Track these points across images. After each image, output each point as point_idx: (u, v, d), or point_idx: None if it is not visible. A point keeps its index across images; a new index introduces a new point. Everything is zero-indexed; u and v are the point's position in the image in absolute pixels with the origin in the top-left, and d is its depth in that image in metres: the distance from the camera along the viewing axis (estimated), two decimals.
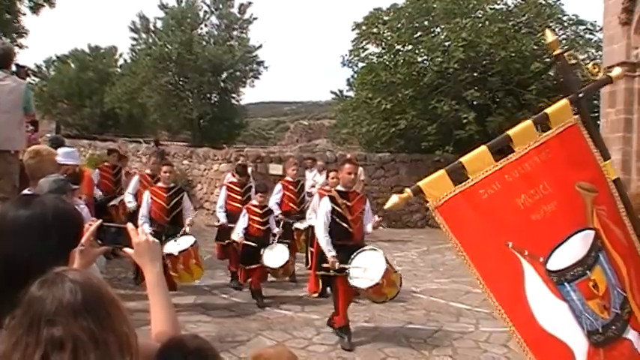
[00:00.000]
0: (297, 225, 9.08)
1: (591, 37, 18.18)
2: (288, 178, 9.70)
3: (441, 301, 8.22)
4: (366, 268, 6.02)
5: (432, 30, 17.90)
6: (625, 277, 2.34)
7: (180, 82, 29.41)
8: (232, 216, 8.49)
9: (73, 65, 34.76)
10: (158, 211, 7.54)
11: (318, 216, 6.64)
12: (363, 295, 6.31)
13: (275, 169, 15.87)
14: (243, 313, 7.45)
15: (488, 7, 17.90)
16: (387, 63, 17.71)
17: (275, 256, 7.68)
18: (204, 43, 29.36)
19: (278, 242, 7.89)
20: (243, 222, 7.94)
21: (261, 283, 7.98)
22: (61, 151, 6.04)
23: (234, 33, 30.68)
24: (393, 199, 2.18)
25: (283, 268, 7.69)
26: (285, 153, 19.33)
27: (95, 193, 9.46)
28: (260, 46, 30.46)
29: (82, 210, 3.66)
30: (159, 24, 29.90)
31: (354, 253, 6.15)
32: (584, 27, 18.35)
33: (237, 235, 7.92)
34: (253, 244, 7.79)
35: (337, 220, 6.38)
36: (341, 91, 21.61)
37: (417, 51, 17.68)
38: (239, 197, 8.82)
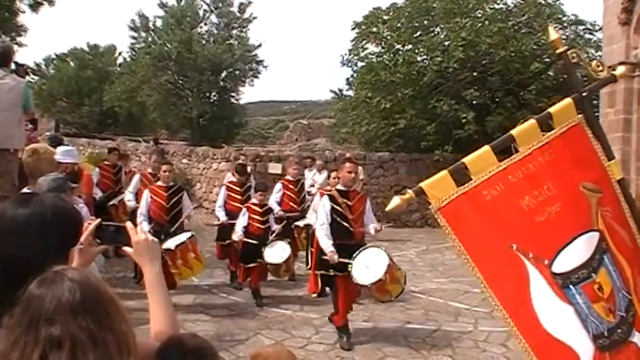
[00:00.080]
0: (297, 223, 9.08)
1: (591, 37, 18.22)
2: (288, 177, 9.70)
3: (439, 301, 8.22)
4: (368, 266, 6.00)
5: (431, 29, 17.90)
6: (630, 279, 2.31)
7: (180, 81, 29.41)
8: (232, 216, 8.49)
9: (72, 64, 34.70)
10: (157, 210, 7.53)
11: (318, 215, 6.61)
12: (367, 294, 6.26)
13: (274, 168, 15.87)
14: (242, 312, 7.46)
15: (487, 6, 17.90)
16: (387, 62, 17.71)
17: (276, 252, 7.67)
18: (203, 42, 29.36)
19: (278, 240, 7.88)
20: (243, 221, 7.94)
21: (260, 283, 7.98)
22: (59, 149, 6.02)
23: (234, 32, 30.69)
24: (395, 201, 2.15)
25: (286, 264, 7.66)
26: (284, 152, 19.35)
27: (95, 193, 9.44)
28: (259, 45, 30.49)
29: (81, 209, 3.66)
30: (158, 23, 29.91)
31: (357, 252, 6.14)
32: (583, 27, 18.37)
33: (236, 233, 7.93)
34: (253, 242, 7.80)
35: (338, 219, 6.35)
36: (340, 91, 21.59)
37: (416, 50, 17.68)
38: (239, 197, 8.82)
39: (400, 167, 17.23)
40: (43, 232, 1.69)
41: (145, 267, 1.91)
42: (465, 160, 2.20)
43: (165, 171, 7.79)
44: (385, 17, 18.51)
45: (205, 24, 30.44)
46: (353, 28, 18.94)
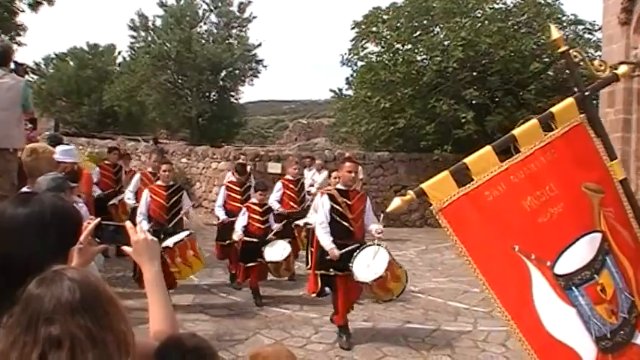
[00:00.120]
0: (297, 222, 9.08)
1: (590, 36, 18.22)
2: (288, 177, 9.70)
3: (439, 300, 8.23)
4: (369, 264, 5.99)
5: (431, 29, 17.89)
6: (632, 280, 2.30)
7: (179, 81, 29.40)
8: (232, 215, 8.49)
9: (71, 63, 34.68)
10: (157, 209, 7.53)
11: (318, 214, 6.60)
12: (369, 292, 6.23)
13: (274, 167, 15.86)
14: (242, 311, 7.46)
15: (487, 6, 17.90)
16: (387, 62, 17.71)
17: (277, 251, 7.67)
18: (203, 41, 29.35)
19: (278, 239, 7.88)
20: (242, 220, 7.95)
21: (259, 282, 7.98)
22: (59, 149, 6.02)
23: (234, 31, 30.68)
24: (396, 202, 2.13)
25: (286, 262, 7.65)
26: (283, 152, 19.33)
27: (94, 191, 9.44)
28: (259, 45, 30.48)
29: (80, 208, 3.66)
30: (158, 22, 29.88)
31: (357, 250, 6.13)
32: (583, 27, 18.37)
33: (236, 233, 7.93)
34: (254, 240, 7.80)
35: (338, 218, 6.34)
36: (340, 90, 21.56)
37: (416, 50, 17.68)
38: (239, 197, 8.81)
39: (399, 167, 17.23)
40: (43, 231, 1.69)
41: (145, 266, 1.91)
42: (467, 160, 2.19)
43: (164, 170, 7.79)
44: (385, 17, 18.50)
45: (205, 23, 30.45)
46: (353, 28, 18.95)
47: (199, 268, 7.50)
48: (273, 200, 9.05)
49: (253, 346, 5.88)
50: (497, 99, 16.67)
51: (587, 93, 2.36)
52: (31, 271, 1.35)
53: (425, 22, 17.94)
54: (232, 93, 31.56)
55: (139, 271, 2.35)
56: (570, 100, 2.34)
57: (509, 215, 2.16)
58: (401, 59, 17.05)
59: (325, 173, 11.75)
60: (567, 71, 2.55)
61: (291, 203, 9.30)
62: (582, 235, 2.21)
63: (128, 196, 9.06)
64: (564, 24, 18.18)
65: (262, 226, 7.98)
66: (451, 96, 16.40)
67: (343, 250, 6.15)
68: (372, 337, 6.60)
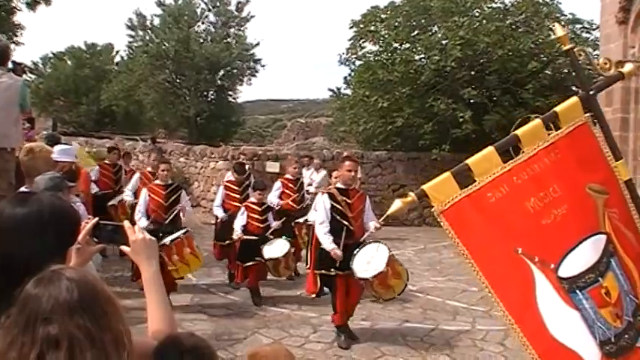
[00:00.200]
0: (297, 220, 9.06)
1: (588, 35, 18.24)
2: (288, 176, 9.68)
3: (437, 300, 8.23)
4: (369, 261, 6.00)
5: (429, 28, 17.90)
6: (637, 282, 2.26)
7: (177, 80, 29.40)
8: (231, 215, 8.47)
9: (69, 62, 34.65)
10: (156, 208, 7.52)
11: (318, 213, 6.59)
12: (370, 291, 6.22)
13: (272, 166, 15.85)
14: (240, 311, 7.45)
15: (485, 5, 17.91)
16: (385, 61, 17.70)
17: (276, 248, 7.67)
18: (201, 40, 29.36)
19: (278, 237, 7.87)
20: (242, 219, 7.94)
21: (260, 282, 7.97)
22: (57, 148, 6.01)
23: (232, 31, 30.70)
24: (397, 204, 2.09)
25: (285, 260, 7.64)
26: (282, 151, 19.29)
27: (91, 189, 9.40)
28: (257, 44, 30.53)
29: (78, 207, 3.65)
30: (156, 21, 29.91)
31: (357, 248, 6.14)
32: (580, 25, 18.38)
33: (236, 233, 7.92)
34: (253, 237, 7.81)
35: (337, 217, 6.34)
36: (338, 89, 21.56)
37: (414, 49, 17.69)
38: (237, 196, 8.81)
39: (398, 166, 17.24)
40: (41, 231, 1.68)
41: (143, 266, 1.91)
42: (469, 161, 2.15)
43: (163, 170, 7.79)
44: (383, 16, 18.51)
45: (203, 22, 30.46)
46: (351, 27, 18.95)
47: (197, 266, 7.47)
48: (273, 197, 9.05)
49: (252, 345, 5.89)
50: (495, 98, 16.68)
51: (592, 92, 2.31)
52: (29, 270, 1.35)
53: (423, 21, 17.95)
54: (230, 92, 31.59)
55: (137, 270, 2.35)
56: (575, 99, 2.29)
57: (512, 217, 2.13)
58: (399, 58, 17.05)
59: (323, 172, 11.74)
60: (572, 69, 2.50)
61: (291, 202, 9.29)
62: (586, 237, 2.17)
63: (127, 194, 9.05)
64: (562, 23, 18.19)
65: (261, 225, 7.98)
66: (449, 95, 16.42)
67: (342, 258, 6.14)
68: (371, 337, 6.60)
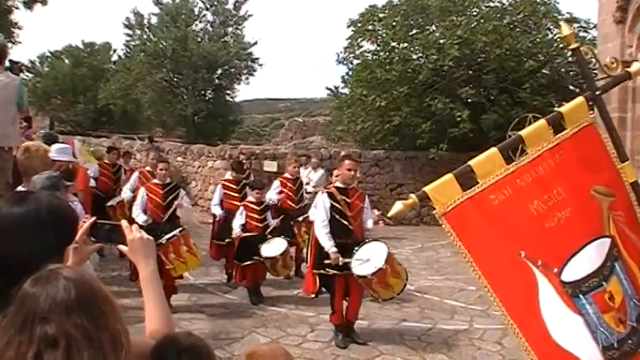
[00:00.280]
0: (297, 218, 9.05)
1: (585, 34, 18.22)
2: (287, 175, 9.68)
3: (435, 299, 8.24)
4: (368, 259, 5.99)
5: (427, 27, 17.90)
6: None
7: (175, 79, 29.39)
8: (230, 214, 8.46)
9: (67, 61, 34.63)
10: (154, 207, 7.51)
11: (317, 212, 6.58)
12: (370, 290, 6.20)
13: (269, 165, 15.84)
14: (238, 310, 7.45)
15: (483, 4, 17.92)
16: (382, 60, 17.70)
17: (273, 247, 7.67)
18: (198, 39, 29.34)
19: (276, 236, 7.87)
20: (240, 219, 7.94)
21: (261, 281, 7.99)
22: (54, 147, 5.99)
23: (229, 30, 30.70)
24: (397, 206, 2.05)
25: (283, 259, 7.64)
26: (279, 150, 19.28)
27: (90, 186, 9.36)
28: (255, 43, 30.54)
29: (75, 207, 3.65)
30: (153, 20, 29.90)
31: (356, 247, 6.13)
32: (578, 25, 18.38)
33: (235, 232, 7.92)
34: (251, 234, 7.81)
35: (337, 217, 6.33)
36: (336, 88, 21.54)
37: (412, 48, 17.67)
38: (236, 194, 8.79)
39: (395, 165, 17.24)
40: (39, 230, 1.68)
41: (140, 265, 1.91)
42: (472, 162, 2.11)
43: (161, 169, 7.78)
44: (381, 15, 18.50)
45: (200, 21, 30.48)
46: (349, 26, 18.94)
47: (195, 264, 7.44)
48: (272, 194, 9.05)
49: (249, 344, 5.88)
50: (492, 97, 16.68)
51: (598, 92, 2.27)
52: (27, 270, 1.35)
53: (421, 20, 17.95)
54: (228, 91, 31.61)
55: (135, 269, 2.35)
56: (580, 99, 2.25)
57: (515, 220, 2.09)
58: (397, 57, 17.04)
59: (321, 171, 11.74)
60: (578, 69, 2.45)
61: (289, 202, 9.29)
62: (590, 240, 2.14)
63: (125, 192, 9.04)
64: (560, 22, 18.18)
65: (260, 224, 7.98)
66: (447, 94, 16.42)
67: (345, 260, 6.13)
68: (369, 336, 6.60)
